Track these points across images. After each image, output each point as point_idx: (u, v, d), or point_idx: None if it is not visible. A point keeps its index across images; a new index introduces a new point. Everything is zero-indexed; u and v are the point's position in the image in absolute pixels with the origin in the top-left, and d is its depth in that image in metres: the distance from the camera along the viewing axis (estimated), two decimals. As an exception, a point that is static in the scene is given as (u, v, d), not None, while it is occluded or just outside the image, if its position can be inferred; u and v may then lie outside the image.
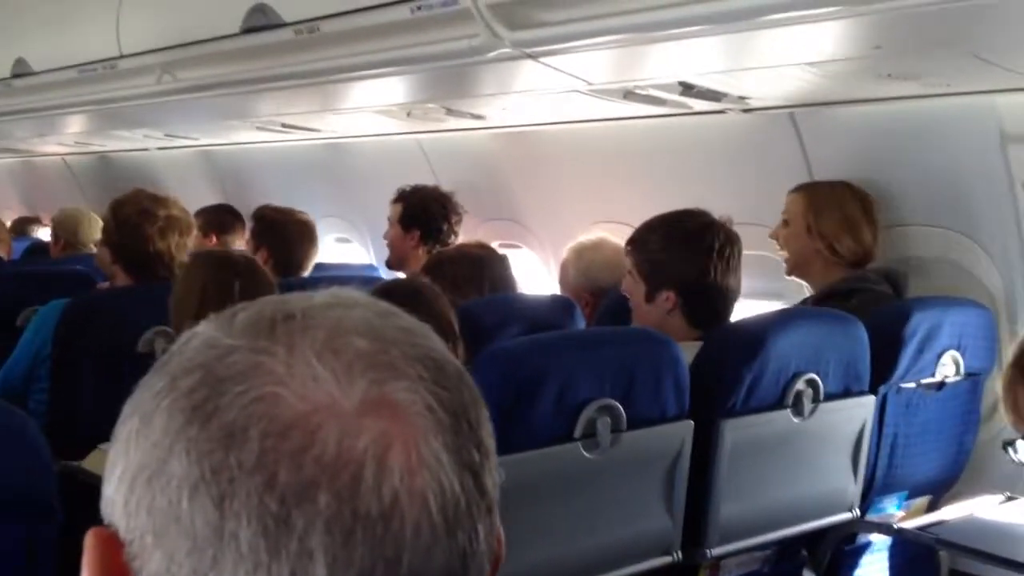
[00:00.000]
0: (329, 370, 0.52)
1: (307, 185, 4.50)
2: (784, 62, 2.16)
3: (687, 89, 2.44)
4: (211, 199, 4.83)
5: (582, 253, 3.04)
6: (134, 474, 0.53)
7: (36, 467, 1.36)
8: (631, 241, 2.25)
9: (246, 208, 4.82)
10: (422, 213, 3.53)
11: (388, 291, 2.02)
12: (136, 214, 2.89)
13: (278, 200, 4.00)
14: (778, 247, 2.67)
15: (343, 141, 4.20)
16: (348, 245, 4.52)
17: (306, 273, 3.62)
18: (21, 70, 4.03)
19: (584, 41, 2.22)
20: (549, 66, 2.41)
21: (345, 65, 2.82)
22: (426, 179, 3.70)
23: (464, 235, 3.58)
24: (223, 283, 2.36)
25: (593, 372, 1.75)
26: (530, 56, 2.36)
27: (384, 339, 0.55)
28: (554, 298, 2.81)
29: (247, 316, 0.57)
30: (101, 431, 2.36)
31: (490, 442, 0.57)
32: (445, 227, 3.54)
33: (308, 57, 2.87)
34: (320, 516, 0.49)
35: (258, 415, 0.51)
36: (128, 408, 0.57)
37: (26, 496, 1.34)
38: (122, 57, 3.49)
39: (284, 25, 2.83)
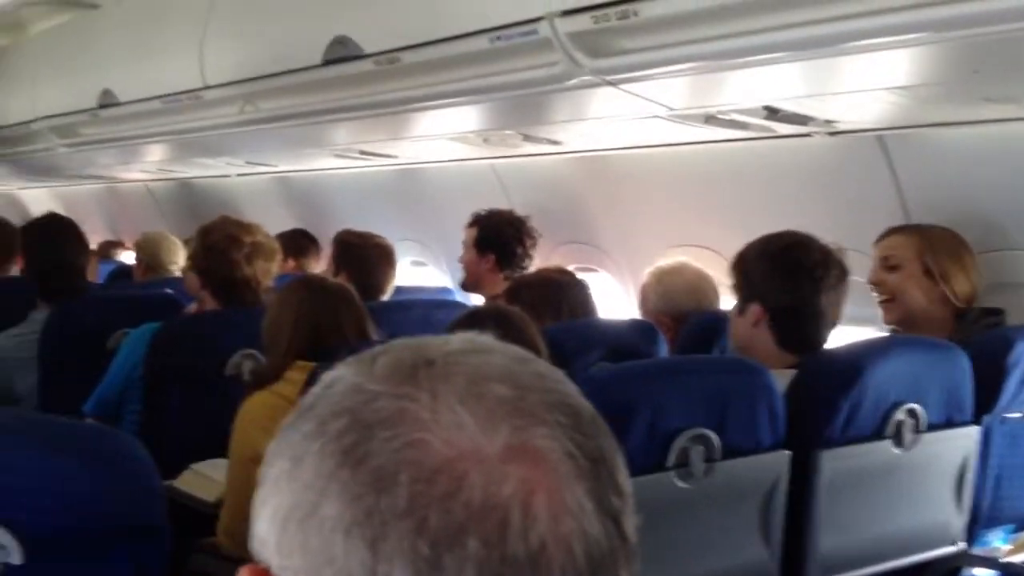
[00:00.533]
0: (472, 417, 0.54)
1: (382, 209, 4.56)
2: (874, 86, 2.14)
3: (772, 113, 2.42)
4: (288, 224, 4.92)
5: (662, 277, 3.02)
6: (286, 514, 0.55)
7: (146, 490, 1.38)
8: (736, 256, 2.24)
9: (321, 233, 4.90)
10: (496, 237, 3.56)
11: (477, 317, 2.03)
12: (223, 240, 2.96)
13: (353, 224, 4.05)
14: (879, 294, 2.53)
15: (418, 166, 4.25)
16: (424, 268, 4.57)
17: (386, 296, 3.66)
18: (108, 101, 4.16)
19: (666, 68, 2.22)
20: (629, 92, 2.42)
21: (424, 95, 2.86)
22: (500, 203, 3.72)
23: (539, 259, 3.60)
24: (317, 310, 2.41)
25: (686, 401, 1.74)
26: (610, 83, 2.37)
27: (522, 385, 0.57)
28: (635, 323, 2.81)
29: (387, 361, 0.58)
30: (190, 451, 2.41)
31: (628, 487, 0.58)
32: (520, 251, 3.56)
33: (387, 87, 2.92)
34: (470, 560, 0.51)
35: (407, 461, 0.53)
36: (275, 448, 0.59)
37: (137, 520, 1.36)
38: (206, 88, 3.59)
39: (364, 56, 2.88)
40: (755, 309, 2.13)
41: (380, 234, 3.83)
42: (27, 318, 3.24)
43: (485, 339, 0.61)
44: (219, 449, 2.48)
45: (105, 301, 3.44)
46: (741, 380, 1.84)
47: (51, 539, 1.22)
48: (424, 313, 3.19)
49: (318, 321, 2.42)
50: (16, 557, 1.18)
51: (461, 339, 0.60)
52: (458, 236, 3.67)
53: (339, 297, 2.49)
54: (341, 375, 0.59)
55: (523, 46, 2.37)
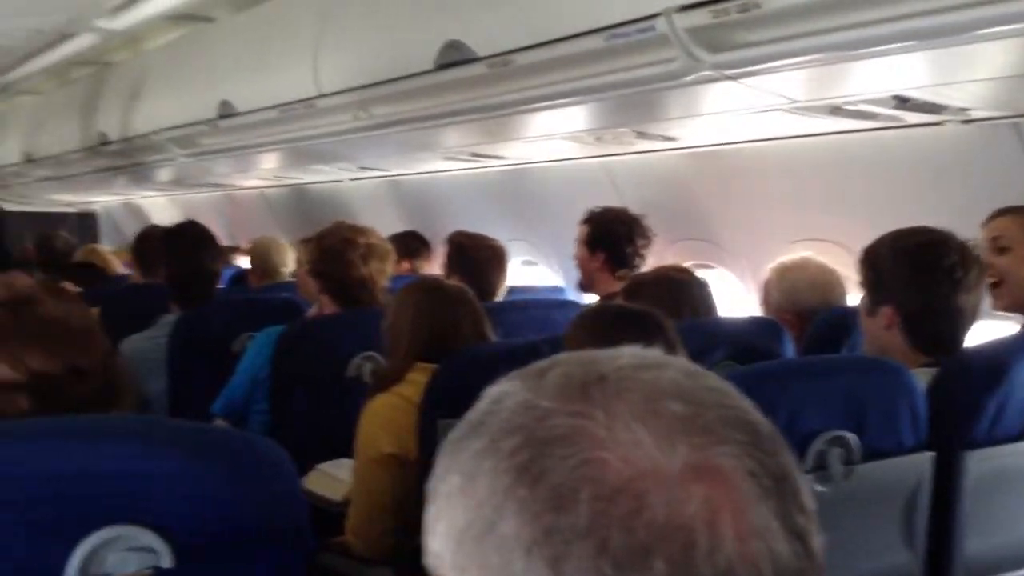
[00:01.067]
0: (649, 435, 0.53)
1: (491, 210, 4.58)
2: (1010, 73, 2.05)
3: (902, 103, 2.34)
4: (399, 226, 4.99)
5: (785, 273, 2.95)
6: (461, 531, 0.55)
7: (289, 493, 1.39)
8: (863, 252, 2.16)
9: (432, 234, 4.95)
10: (606, 235, 3.54)
11: (620, 317, 1.96)
12: (339, 243, 3.03)
13: (463, 225, 4.08)
14: (987, 278, 2.38)
15: (528, 166, 4.25)
16: (534, 267, 4.57)
17: (498, 298, 3.67)
18: (226, 111, 4.26)
19: (789, 60, 2.17)
20: (750, 86, 2.37)
21: (537, 96, 2.85)
22: (611, 201, 3.70)
23: (654, 256, 3.56)
24: (434, 311, 2.43)
25: (823, 402, 1.70)
26: (730, 78, 2.33)
27: (697, 402, 0.56)
28: (759, 321, 2.75)
29: (556, 376, 0.58)
30: (315, 451, 2.45)
31: (811, 504, 0.56)
32: (630, 249, 3.53)
33: (500, 89, 2.92)
34: None
35: (586, 479, 0.52)
36: (444, 464, 0.59)
37: (280, 523, 1.38)
38: (320, 97, 3.65)
39: (477, 60, 2.89)
40: (887, 312, 2.06)
41: (490, 234, 3.85)
42: (156, 322, 3.36)
43: (654, 353, 0.61)
44: (343, 450, 2.53)
45: (229, 306, 3.54)
46: (880, 380, 1.79)
47: (198, 544, 1.24)
48: (539, 313, 3.20)
49: (435, 323, 2.44)
50: (167, 561, 1.21)
51: (630, 354, 0.60)
52: (569, 235, 3.67)
53: (456, 299, 2.51)
54: (508, 391, 0.59)
55: (640, 43, 2.34)
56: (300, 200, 6.05)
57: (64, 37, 3.92)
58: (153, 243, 3.89)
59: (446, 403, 2.17)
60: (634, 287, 2.81)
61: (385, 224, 4.58)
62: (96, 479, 1.21)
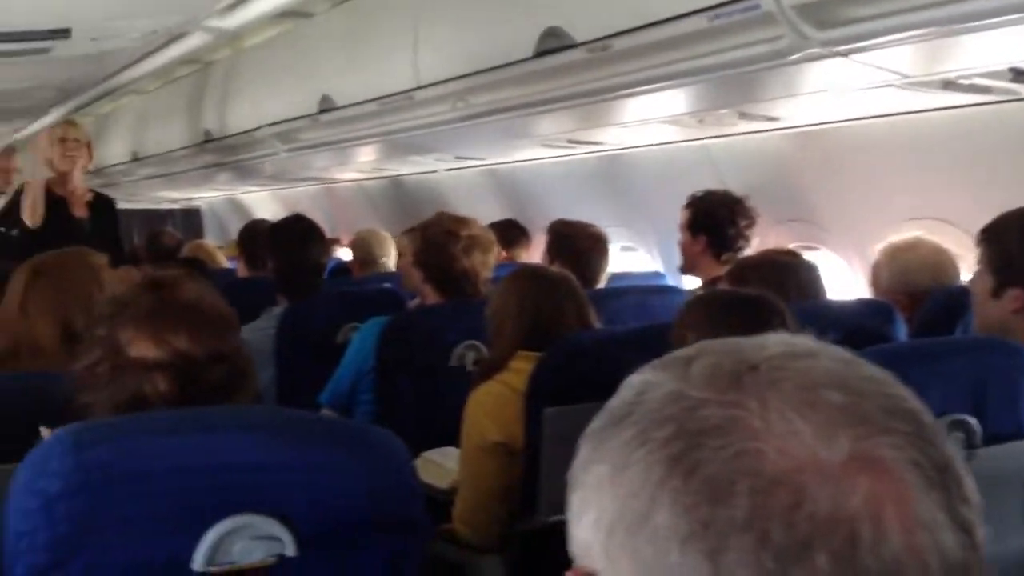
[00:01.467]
0: (807, 425, 0.52)
1: (588, 197, 4.56)
2: None
3: (1019, 75, 2.25)
4: (495, 215, 5.00)
5: (895, 254, 2.87)
6: (611, 521, 0.55)
7: (408, 484, 1.41)
8: (985, 231, 2.09)
9: (528, 222, 4.96)
10: (708, 218, 3.49)
11: (720, 302, 1.93)
12: (441, 235, 3.05)
13: (559, 213, 4.08)
14: None
15: (625, 152, 4.22)
16: (634, 253, 4.54)
17: (600, 285, 3.66)
18: (327, 106, 4.33)
19: (902, 34, 2.10)
20: (859, 62, 2.31)
21: (637, 80, 2.82)
22: (712, 184, 3.65)
23: (757, 238, 3.50)
24: (539, 299, 2.43)
25: (943, 385, 1.66)
26: (840, 54, 2.27)
27: (855, 391, 0.54)
28: (869, 302, 2.68)
29: (704, 366, 0.57)
30: (421, 439, 2.47)
31: (975, 496, 0.55)
32: (732, 232, 3.48)
33: (600, 74, 2.90)
34: (819, 575, 0.49)
35: (742, 470, 0.51)
36: (588, 455, 0.59)
37: (399, 513, 1.40)
38: (419, 88, 3.68)
39: (576, 45, 2.87)
40: (1017, 294, 1.98)
41: (587, 221, 3.84)
42: (263, 314, 3.44)
43: (803, 340, 0.59)
44: (448, 438, 2.55)
45: (334, 298, 3.60)
46: (1002, 361, 1.74)
47: (320, 532, 1.27)
48: (638, 299, 3.17)
49: (539, 310, 2.44)
50: (290, 550, 1.24)
51: (779, 341, 0.59)
52: (670, 220, 3.63)
53: (559, 286, 2.51)
54: (653, 380, 0.58)
55: (744, 22, 2.30)
56: (397, 191, 6.12)
57: (175, 37, 4.03)
58: (259, 237, 3.99)
59: (552, 391, 2.17)
60: (739, 271, 2.76)
61: (482, 213, 4.59)
62: (221, 469, 1.24)
